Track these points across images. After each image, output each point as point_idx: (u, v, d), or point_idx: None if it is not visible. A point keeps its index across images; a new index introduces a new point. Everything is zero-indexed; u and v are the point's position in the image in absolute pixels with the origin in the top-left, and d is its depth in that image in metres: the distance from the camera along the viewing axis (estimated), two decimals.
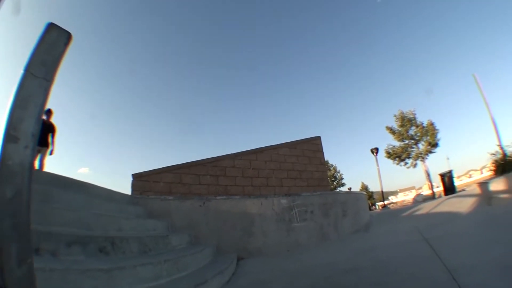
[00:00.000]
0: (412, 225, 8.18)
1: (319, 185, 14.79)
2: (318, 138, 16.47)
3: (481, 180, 10.90)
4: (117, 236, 4.33)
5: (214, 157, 11.62)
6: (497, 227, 5.68)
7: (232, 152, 12.48)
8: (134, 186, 9.65)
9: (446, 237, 5.63)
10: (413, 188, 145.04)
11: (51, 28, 1.58)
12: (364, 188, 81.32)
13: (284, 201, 8.13)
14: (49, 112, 10.91)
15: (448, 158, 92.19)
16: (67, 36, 1.62)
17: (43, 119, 9.64)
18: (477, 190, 10.55)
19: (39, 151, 10.17)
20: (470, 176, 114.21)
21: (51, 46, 1.53)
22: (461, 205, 9.97)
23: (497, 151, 10.05)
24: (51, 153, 10.81)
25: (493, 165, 9.98)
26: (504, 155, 9.73)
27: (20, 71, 1.43)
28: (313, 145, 15.87)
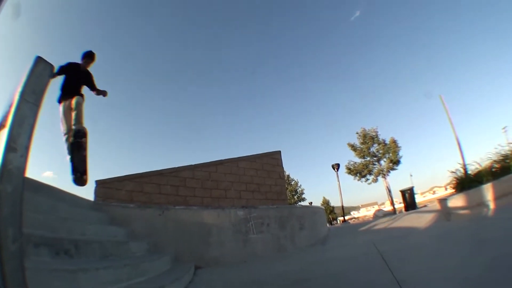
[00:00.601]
0: (369, 239, 8.55)
1: (278, 198, 15.11)
2: (278, 152, 16.84)
3: (443, 197, 11.41)
4: (81, 239, 4.59)
5: (175, 168, 11.81)
6: (452, 242, 6.02)
7: (192, 163, 12.67)
8: (97, 192, 9.73)
9: (400, 251, 5.91)
10: (375, 203, 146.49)
11: (38, 61, 1.99)
12: (326, 202, 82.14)
13: (240, 213, 8.40)
14: (89, 57, 8.10)
15: (411, 175, 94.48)
16: (51, 68, 2.06)
17: (77, 64, 7.95)
18: (437, 206, 11.06)
19: (69, 104, 7.63)
20: (434, 193, 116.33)
21: (39, 77, 1.96)
22: (420, 220, 10.53)
23: (457, 169, 10.54)
24: (104, 95, 8.23)
25: (453, 182, 10.48)
26: (465, 173, 10.28)
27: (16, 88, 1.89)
28: (273, 159, 16.21)
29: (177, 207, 8.39)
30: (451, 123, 14.30)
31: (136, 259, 5.31)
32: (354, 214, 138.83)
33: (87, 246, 4.55)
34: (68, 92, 7.74)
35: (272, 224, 8.79)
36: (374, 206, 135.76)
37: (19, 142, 1.53)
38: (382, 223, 12.92)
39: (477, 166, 10.38)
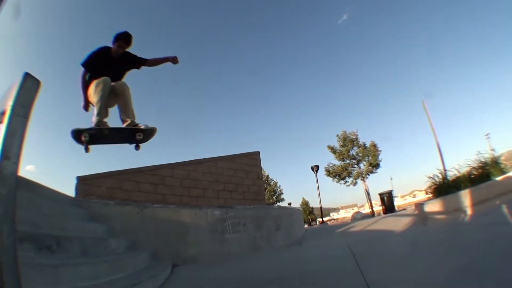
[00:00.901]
0: (344, 241, 8.64)
1: (256, 199, 15.32)
2: (257, 153, 17.08)
3: (421, 201, 11.61)
4: (62, 236, 4.78)
5: (154, 166, 11.93)
6: (425, 246, 6.12)
7: (172, 162, 12.90)
8: (78, 188, 9.80)
9: (373, 253, 6.11)
10: (355, 205, 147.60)
11: (27, 77, 2.21)
12: (305, 203, 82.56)
13: (217, 212, 8.51)
14: (123, 39, 6.54)
15: (391, 178, 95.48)
16: (38, 84, 2.29)
17: (108, 48, 6.56)
18: (414, 210, 11.34)
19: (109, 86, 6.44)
20: (414, 196, 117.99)
21: (27, 91, 2.17)
22: (397, 223, 10.63)
23: (435, 174, 10.68)
24: (174, 61, 6.86)
25: (431, 187, 10.64)
26: (444, 178, 10.46)
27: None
28: (252, 159, 16.45)
29: (155, 205, 8.51)
30: (432, 128, 14.65)
31: (115, 255, 5.49)
32: (334, 215, 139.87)
33: (68, 242, 4.73)
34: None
35: (248, 224, 8.93)
36: (353, 208, 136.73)
37: (12, 151, 1.74)
38: (359, 226, 13.02)
39: (456, 172, 10.53)
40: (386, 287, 3.62)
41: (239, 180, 14.95)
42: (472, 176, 9.61)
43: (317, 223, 54.88)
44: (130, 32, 6.57)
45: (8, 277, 2.06)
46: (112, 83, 6.44)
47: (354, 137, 46.45)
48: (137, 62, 6.90)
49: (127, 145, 6.82)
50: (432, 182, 10.58)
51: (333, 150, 46.67)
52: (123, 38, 6.53)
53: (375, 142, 46.17)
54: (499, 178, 8.49)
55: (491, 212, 7.07)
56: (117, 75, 6.71)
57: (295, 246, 9.61)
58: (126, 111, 6.54)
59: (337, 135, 47.26)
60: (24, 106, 1.83)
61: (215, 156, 14.75)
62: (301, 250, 8.65)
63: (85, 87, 6.54)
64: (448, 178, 10.45)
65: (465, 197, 8.59)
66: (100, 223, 6.79)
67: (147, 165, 11.85)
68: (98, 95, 6.18)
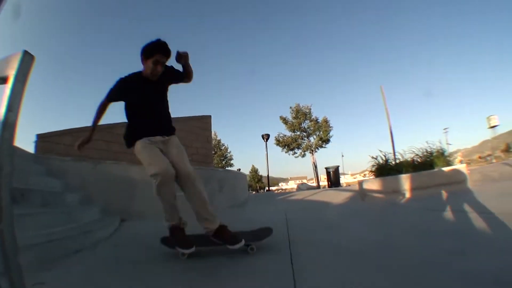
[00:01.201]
0: (283, 207, 9.22)
1: (204, 161, 15.58)
2: (209, 117, 17.28)
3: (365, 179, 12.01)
4: (25, 189, 5.31)
5: (110, 124, 11.95)
6: (355, 218, 6.72)
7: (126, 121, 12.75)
8: (38, 145, 9.96)
9: (305, 220, 6.68)
10: (305, 178, 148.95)
11: (25, 52, 2.40)
12: (254, 171, 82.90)
13: None
14: (162, 50, 4.10)
15: (343, 155, 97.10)
16: (32, 58, 2.50)
17: (137, 75, 4.30)
18: (356, 187, 11.71)
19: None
20: (364, 176, 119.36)
21: (26, 63, 2.26)
22: (337, 197, 11.01)
23: (378, 155, 10.87)
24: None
25: (374, 167, 10.85)
26: (386, 160, 10.72)
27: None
28: (203, 123, 16.64)
29: (108, 161, 8.88)
30: (387, 113, 15.04)
31: (70, 208, 6.06)
32: (282, 185, 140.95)
33: (30, 195, 5.33)
34: (146, 130, 4.50)
35: None
36: (303, 180, 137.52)
37: (14, 106, 2.03)
38: (301, 195, 13.33)
39: (400, 157, 11.07)
40: (303, 246, 4.13)
41: (189, 142, 15.06)
42: (416, 163, 10.06)
43: (264, 191, 55.62)
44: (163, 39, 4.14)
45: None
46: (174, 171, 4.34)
47: (307, 110, 47.08)
48: (179, 78, 4.61)
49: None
50: (376, 162, 10.88)
51: (285, 121, 47.24)
52: (160, 50, 4.11)
53: (328, 118, 46.97)
54: (444, 169, 8.96)
55: (429, 199, 7.48)
56: (161, 104, 4.60)
57: (236, 208, 10.18)
58: (201, 213, 4.42)
59: (291, 107, 47.81)
60: (23, 74, 2.12)
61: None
62: (242, 212, 9.28)
63: (101, 116, 4.79)
64: (390, 161, 10.86)
65: (405, 181, 8.96)
66: (58, 178, 7.04)
67: (103, 123, 11.71)
68: (162, 201, 4.58)
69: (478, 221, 4.43)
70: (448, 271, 2.62)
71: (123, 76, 4.28)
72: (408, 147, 11.31)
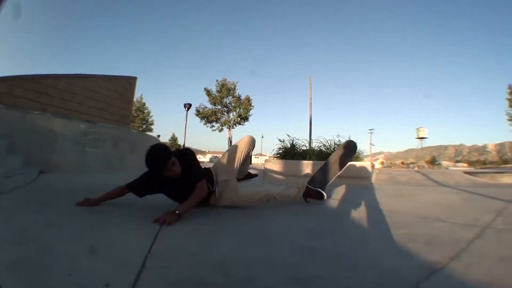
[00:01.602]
0: None
1: (123, 122, 15.81)
2: (135, 78, 17.41)
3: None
4: None
5: (41, 75, 11.97)
6: None
7: (58, 73, 12.90)
8: None
9: None
10: (222, 152, 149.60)
11: None
12: (174, 139, 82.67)
13: (83, 126, 9.15)
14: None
15: (263, 136, 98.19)
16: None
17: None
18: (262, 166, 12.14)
19: None
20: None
21: None
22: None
23: (285, 139, 11.22)
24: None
25: (280, 149, 11.20)
26: (293, 145, 11.06)
27: None
28: (128, 84, 16.83)
29: (35, 112, 8.97)
30: (311, 102, 15.64)
31: None
32: (200, 158, 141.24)
33: None
34: None
35: (107, 142, 9.77)
36: (220, 154, 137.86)
37: None
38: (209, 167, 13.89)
39: (307, 144, 11.41)
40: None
41: (112, 101, 15.38)
42: (323, 152, 10.51)
43: None
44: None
45: None
46: None
47: (232, 86, 47.85)
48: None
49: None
50: (282, 145, 11.21)
51: (208, 93, 47.72)
52: (157, 167, 3.99)
53: (250, 97, 48.13)
54: (356, 164, 9.50)
55: (332, 185, 7.82)
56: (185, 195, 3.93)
57: (145, 170, 10.31)
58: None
59: (217, 81, 48.31)
60: None
61: (95, 74, 15.02)
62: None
63: (111, 197, 4.40)
64: (298, 146, 11.17)
65: (306, 167, 9.47)
66: None
67: (35, 74, 11.81)
68: None
69: (357, 212, 4.84)
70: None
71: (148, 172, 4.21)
72: (317, 136, 11.84)
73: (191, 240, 2.95)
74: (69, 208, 3.93)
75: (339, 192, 7.09)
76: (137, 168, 9.64)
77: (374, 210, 5.03)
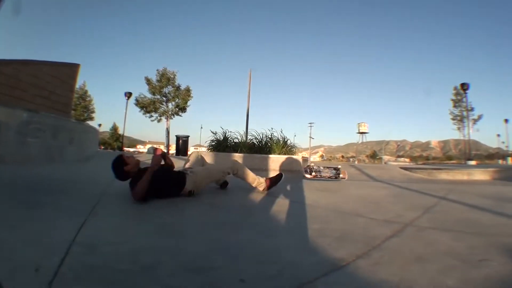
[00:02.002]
0: None
1: (64, 110, 15.53)
2: (77, 65, 17.07)
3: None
4: None
5: None
6: None
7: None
8: None
9: None
10: (163, 143, 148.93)
11: None
12: (115, 129, 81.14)
13: (25, 115, 8.92)
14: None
15: (202, 127, 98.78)
16: None
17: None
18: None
19: None
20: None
21: None
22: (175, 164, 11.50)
23: (217, 132, 11.51)
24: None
25: (212, 142, 11.43)
26: (225, 138, 11.23)
27: None
28: (71, 71, 16.57)
29: None
30: (249, 96, 15.69)
31: None
32: (140, 148, 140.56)
33: None
34: None
35: (48, 132, 9.55)
36: (161, 145, 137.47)
37: None
38: (144, 158, 13.74)
39: (239, 137, 11.55)
40: (113, 195, 4.92)
41: (55, 88, 15.14)
42: (255, 145, 10.88)
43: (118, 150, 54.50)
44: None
45: None
46: None
47: (172, 76, 47.48)
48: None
49: None
50: (215, 138, 11.42)
51: (149, 82, 47.01)
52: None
53: (190, 88, 47.94)
54: (278, 156, 9.80)
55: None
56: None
57: (83, 161, 10.49)
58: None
59: (158, 70, 47.66)
60: None
61: (39, 59, 14.51)
62: (86, 165, 9.71)
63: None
64: (231, 139, 11.40)
65: (238, 160, 9.04)
66: None
67: None
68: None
69: (277, 206, 4.79)
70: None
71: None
72: (250, 129, 12.04)
73: (111, 231, 3.09)
74: (6, 199, 4.14)
75: None
76: (77, 160, 9.97)
77: (295, 204, 5.10)
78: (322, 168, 8.71)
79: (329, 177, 8.47)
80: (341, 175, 8.63)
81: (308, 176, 8.54)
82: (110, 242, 2.68)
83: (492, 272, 2.24)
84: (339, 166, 8.85)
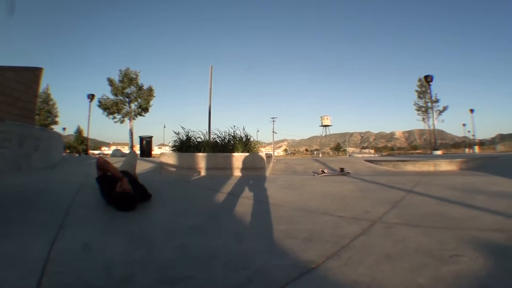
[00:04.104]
0: (88, 171, 8.88)
1: (29, 117, 15.11)
2: (40, 69, 16.53)
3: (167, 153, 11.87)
4: None
5: None
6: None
7: None
8: None
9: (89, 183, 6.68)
10: (127, 144, 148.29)
11: None
12: (80, 132, 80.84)
13: None
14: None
15: (165, 126, 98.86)
16: None
17: None
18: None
19: None
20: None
21: None
22: (139, 166, 11.23)
23: (180, 132, 11.15)
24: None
25: (175, 142, 11.09)
26: (188, 138, 11.01)
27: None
28: (34, 75, 16.01)
29: None
30: (210, 93, 15.73)
31: None
32: (105, 150, 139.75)
33: None
34: None
35: (14, 141, 9.24)
36: (125, 146, 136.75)
37: None
38: (112, 161, 13.54)
39: (202, 136, 11.32)
40: (87, 206, 4.77)
41: (19, 94, 14.60)
42: (218, 144, 10.77)
43: (82, 154, 53.86)
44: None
45: None
46: None
47: (134, 76, 47.04)
48: None
49: None
50: (178, 138, 11.14)
51: (111, 83, 46.40)
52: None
53: (153, 87, 47.88)
54: (242, 154, 9.73)
55: (219, 179, 8.19)
56: None
57: (49, 169, 10.16)
58: None
59: (120, 70, 47.12)
60: None
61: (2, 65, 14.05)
62: (52, 173, 9.31)
63: None
64: (193, 138, 11.20)
65: (201, 159, 9.74)
66: None
67: None
68: None
69: (242, 207, 4.81)
70: None
71: None
72: (213, 128, 11.97)
73: (82, 245, 2.98)
74: None
75: (229, 184, 7.27)
76: (43, 167, 9.73)
77: (261, 204, 5.09)
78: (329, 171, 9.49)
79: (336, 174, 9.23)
80: (345, 170, 9.41)
81: (318, 176, 8.93)
82: (82, 257, 2.63)
83: (464, 268, 2.26)
84: (344, 167, 9.63)
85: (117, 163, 6.48)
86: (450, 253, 2.52)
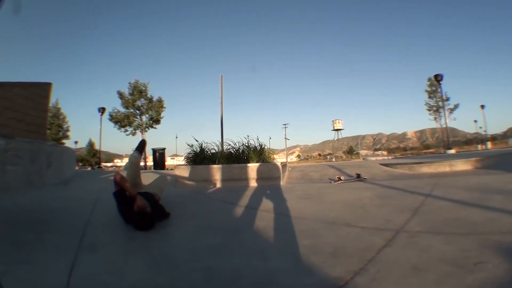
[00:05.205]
0: (102, 186, 9.13)
1: (39, 132, 15.13)
2: (50, 84, 16.70)
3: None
4: None
5: None
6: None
7: None
8: None
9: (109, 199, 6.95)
10: None
11: None
12: (91, 145, 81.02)
13: (2, 142, 8.67)
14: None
15: (177, 137, 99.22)
16: None
17: None
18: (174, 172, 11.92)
19: None
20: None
21: None
22: (152, 179, 11.17)
23: (193, 144, 11.12)
24: None
25: (189, 154, 11.10)
26: (202, 150, 10.94)
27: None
28: (43, 90, 16.12)
29: None
30: (221, 102, 15.71)
31: None
32: (118, 162, 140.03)
33: None
34: None
35: (25, 158, 9.29)
36: None
37: None
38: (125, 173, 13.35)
39: (216, 148, 11.21)
40: (99, 226, 4.73)
41: (28, 110, 14.64)
42: (232, 154, 10.67)
43: (96, 168, 53.75)
44: None
45: None
46: None
47: (144, 88, 47.14)
48: None
49: None
50: (192, 150, 11.11)
51: (122, 95, 46.57)
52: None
53: (163, 98, 47.74)
54: (257, 164, 9.65)
55: (235, 191, 8.10)
56: None
57: (61, 185, 10.08)
58: None
59: (129, 83, 47.30)
60: None
61: (10, 81, 14.32)
62: (65, 190, 9.21)
63: None
64: (207, 150, 11.12)
65: (216, 171, 9.66)
66: None
67: None
68: None
69: (262, 221, 4.76)
70: None
71: None
72: (226, 139, 11.80)
73: (104, 269, 2.96)
74: None
75: (246, 197, 7.22)
76: (55, 183, 9.65)
77: (281, 217, 5.07)
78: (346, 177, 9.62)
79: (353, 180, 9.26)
80: (362, 175, 9.39)
81: (335, 183, 8.91)
82: (105, 282, 2.62)
83: (489, 275, 2.25)
84: (361, 173, 9.65)
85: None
86: (474, 260, 2.50)
